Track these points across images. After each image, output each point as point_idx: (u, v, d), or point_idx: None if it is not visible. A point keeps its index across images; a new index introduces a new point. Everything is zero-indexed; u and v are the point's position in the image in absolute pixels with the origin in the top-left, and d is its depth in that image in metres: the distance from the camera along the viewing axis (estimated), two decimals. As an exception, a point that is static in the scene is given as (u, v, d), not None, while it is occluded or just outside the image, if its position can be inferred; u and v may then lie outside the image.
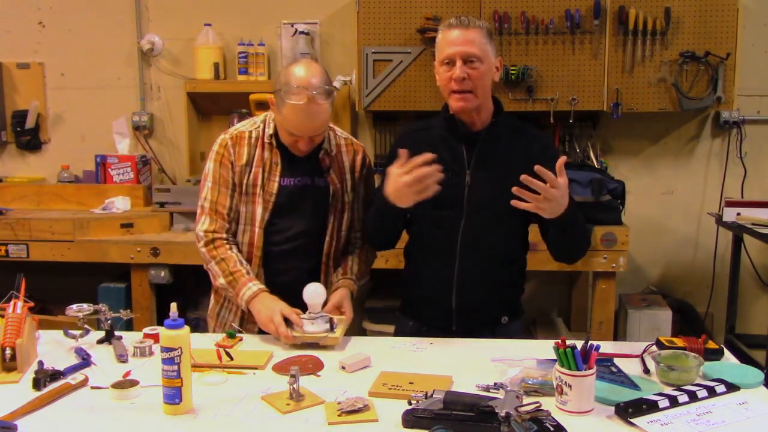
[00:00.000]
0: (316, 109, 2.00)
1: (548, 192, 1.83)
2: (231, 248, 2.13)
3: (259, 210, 2.14)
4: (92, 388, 1.72)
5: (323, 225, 2.18)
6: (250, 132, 2.17)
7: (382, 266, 3.34)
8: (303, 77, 2.00)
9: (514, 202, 1.85)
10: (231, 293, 2.10)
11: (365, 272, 2.28)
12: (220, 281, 2.12)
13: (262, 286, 2.06)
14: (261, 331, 2.16)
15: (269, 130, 2.15)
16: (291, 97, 1.99)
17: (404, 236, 2.24)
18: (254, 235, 2.14)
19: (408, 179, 1.89)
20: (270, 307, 1.99)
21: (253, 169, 2.14)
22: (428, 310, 2.19)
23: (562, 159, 1.88)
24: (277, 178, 2.14)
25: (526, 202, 1.85)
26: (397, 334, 2.27)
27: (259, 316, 2.02)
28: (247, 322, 2.18)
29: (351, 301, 2.13)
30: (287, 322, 1.96)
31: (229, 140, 2.16)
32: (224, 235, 2.14)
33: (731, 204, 3.50)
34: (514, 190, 1.84)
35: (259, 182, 2.14)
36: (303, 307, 2.14)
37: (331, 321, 1.99)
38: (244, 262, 2.13)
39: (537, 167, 1.83)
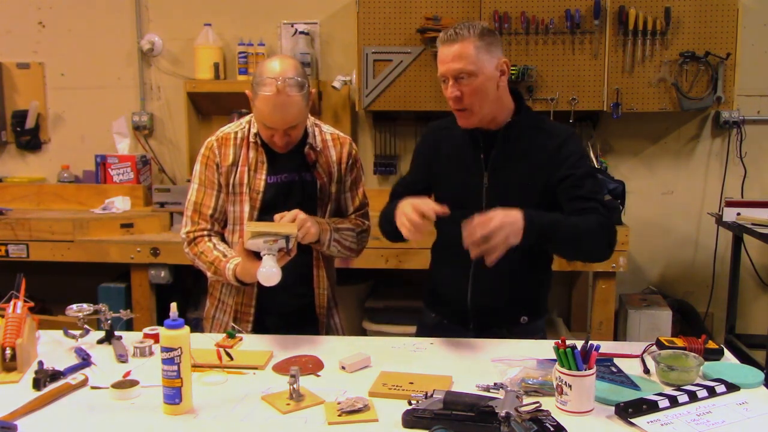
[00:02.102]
0: (285, 100, 2.01)
1: (483, 231, 1.77)
2: (209, 240, 2.16)
3: (246, 208, 2.16)
4: (92, 388, 1.72)
5: None
6: (236, 133, 2.19)
7: (382, 266, 3.36)
8: (273, 69, 2.03)
9: (487, 261, 1.80)
10: (223, 281, 2.13)
11: (348, 235, 2.22)
12: (209, 275, 2.17)
13: (237, 260, 2.04)
14: (255, 330, 2.18)
15: (254, 129, 2.17)
16: (261, 88, 2.02)
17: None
18: (243, 234, 2.14)
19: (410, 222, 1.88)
20: (252, 274, 1.97)
21: (239, 169, 2.16)
22: (447, 307, 2.18)
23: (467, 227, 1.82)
24: (263, 176, 2.16)
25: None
26: (419, 325, 2.27)
27: (254, 281, 2.01)
28: (241, 321, 2.19)
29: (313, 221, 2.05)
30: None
31: (215, 142, 2.19)
32: (204, 233, 2.17)
33: (731, 204, 3.50)
34: (472, 255, 1.81)
35: (246, 181, 2.15)
36: (295, 305, 2.21)
37: (287, 238, 1.95)
38: (221, 245, 2.15)
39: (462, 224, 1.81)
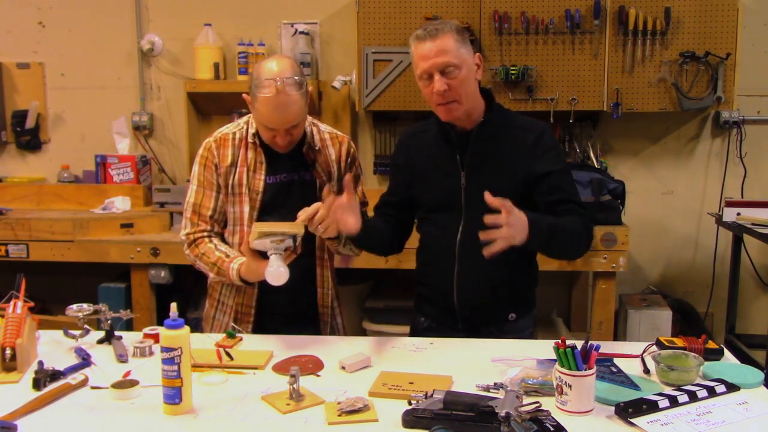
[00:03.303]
0: (286, 100, 2.01)
1: (508, 218, 1.78)
2: (210, 241, 2.16)
3: (246, 209, 2.16)
4: (92, 388, 1.72)
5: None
6: (234, 133, 2.19)
7: (382, 266, 3.35)
8: (271, 70, 2.03)
9: (485, 251, 1.79)
10: (226, 281, 2.13)
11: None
12: (211, 276, 2.18)
13: (241, 259, 2.05)
14: (255, 330, 2.18)
15: (252, 130, 2.17)
16: (261, 90, 2.01)
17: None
18: (244, 235, 2.14)
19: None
20: (257, 273, 1.98)
21: (237, 169, 2.16)
22: (434, 308, 2.19)
23: (497, 202, 1.81)
24: (262, 177, 2.16)
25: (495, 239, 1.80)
26: (411, 330, 2.28)
27: (259, 280, 2.02)
28: (241, 322, 2.19)
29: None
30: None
31: (213, 143, 2.18)
32: (204, 234, 2.17)
33: (731, 204, 3.50)
34: (482, 236, 1.79)
35: (245, 181, 2.16)
36: (296, 306, 2.20)
37: (294, 237, 1.95)
38: (222, 246, 2.15)
39: (487, 198, 1.79)
